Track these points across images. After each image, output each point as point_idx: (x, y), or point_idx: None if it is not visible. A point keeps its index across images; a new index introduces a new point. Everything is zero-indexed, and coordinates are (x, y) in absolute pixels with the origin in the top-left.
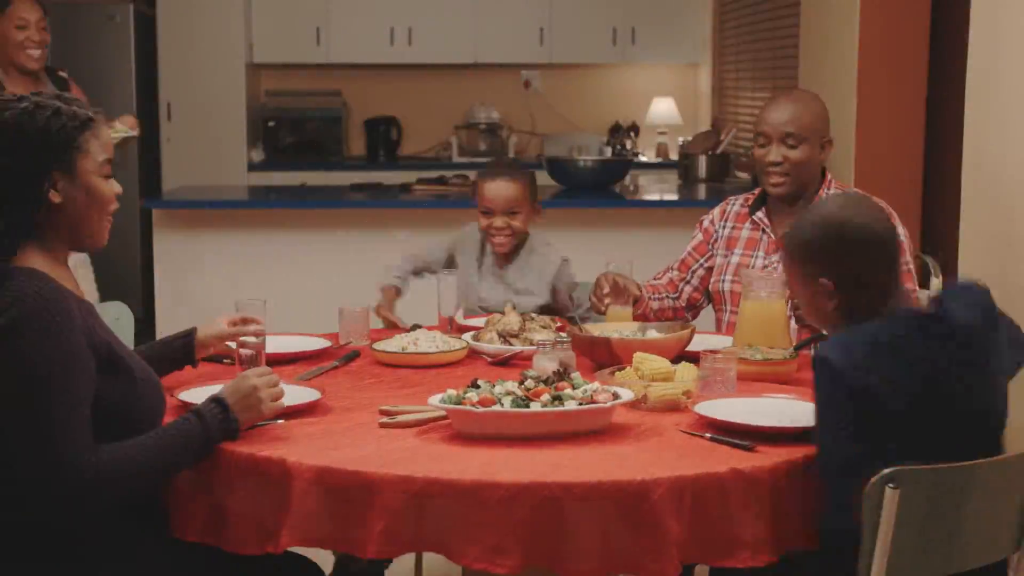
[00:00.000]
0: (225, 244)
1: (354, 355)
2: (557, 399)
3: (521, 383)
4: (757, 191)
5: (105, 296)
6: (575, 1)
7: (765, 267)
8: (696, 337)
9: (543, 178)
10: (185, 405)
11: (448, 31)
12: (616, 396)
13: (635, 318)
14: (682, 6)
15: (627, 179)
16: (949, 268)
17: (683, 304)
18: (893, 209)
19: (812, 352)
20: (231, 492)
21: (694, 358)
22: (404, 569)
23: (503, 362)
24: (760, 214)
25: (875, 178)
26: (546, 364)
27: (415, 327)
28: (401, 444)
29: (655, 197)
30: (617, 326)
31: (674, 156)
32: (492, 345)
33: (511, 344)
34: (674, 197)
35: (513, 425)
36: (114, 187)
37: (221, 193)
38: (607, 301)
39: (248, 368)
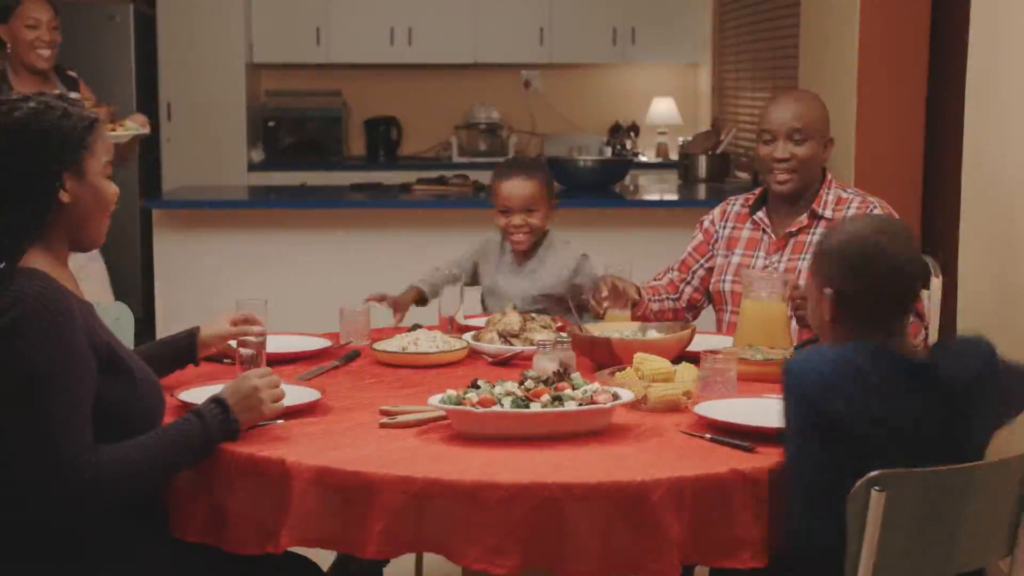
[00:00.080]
0: (225, 244)
1: (354, 355)
2: (557, 399)
3: (521, 383)
4: (758, 191)
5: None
6: (575, 1)
7: (766, 267)
8: (696, 337)
9: None
10: (185, 405)
11: (448, 31)
12: (616, 397)
13: (634, 320)
14: (682, 6)
15: (627, 179)
16: (949, 268)
17: (683, 305)
18: (893, 209)
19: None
20: (231, 492)
21: (694, 358)
22: (404, 569)
23: (503, 362)
24: (761, 214)
25: (875, 178)
26: (546, 364)
27: (415, 327)
28: (401, 444)
29: (655, 197)
30: (617, 326)
31: (674, 156)
32: (492, 345)
33: (511, 344)
34: (674, 197)
35: (513, 425)
36: (113, 188)
37: (221, 193)
38: (605, 304)
39: (248, 368)
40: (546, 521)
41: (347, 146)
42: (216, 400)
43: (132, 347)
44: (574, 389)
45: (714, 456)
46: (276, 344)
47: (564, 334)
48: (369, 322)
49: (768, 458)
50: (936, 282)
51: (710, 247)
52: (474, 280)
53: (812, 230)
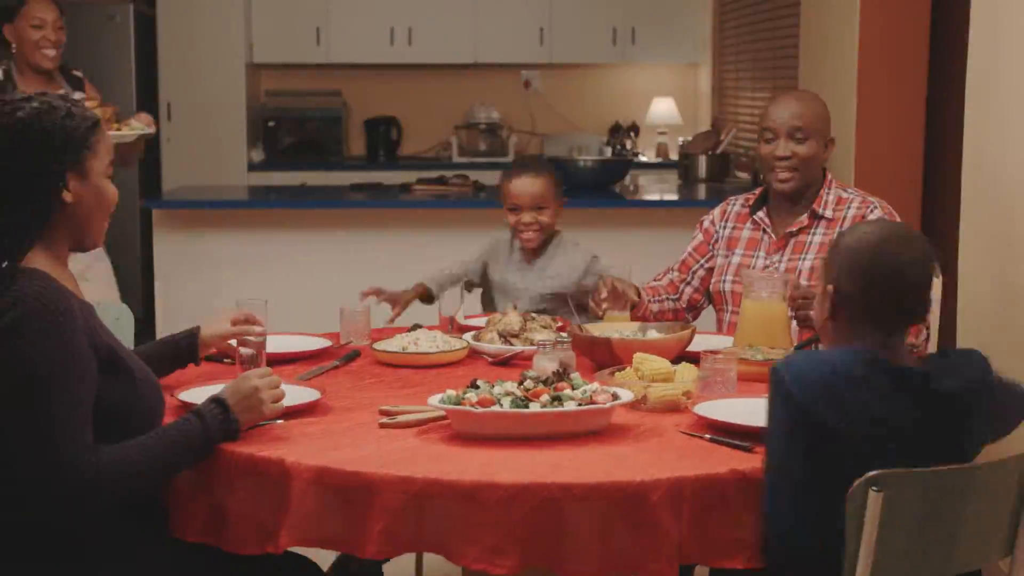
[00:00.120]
0: (225, 244)
1: (354, 355)
2: (556, 400)
3: (521, 383)
4: (758, 191)
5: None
6: (575, 1)
7: (766, 267)
8: (696, 337)
9: None
10: (185, 405)
11: (448, 31)
12: (616, 397)
13: (634, 321)
14: (682, 6)
15: (627, 179)
16: (949, 268)
17: (683, 305)
18: (894, 209)
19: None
20: (231, 492)
21: (694, 358)
22: (404, 569)
23: (503, 362)
24: (761, 214)
25: (875, 178)
26: (546, 364)
27: (415, 327)
28: (401, 444)
29: (655, 197)
30: (617, 326)
31: (674, 156)
32: (492, 345)
33: (511, 344)
34: (674, 197)
35: (512, 425)
36: (114, 188)
37: (221, 193)
38: (605, 306)
39: (248, 368)
40: (545, 521)
41: (347, 146)
42: (216, 400)
43: (132, 347)
44: (574, 389)
45: (714, 456)
46: (276, 344)
47: (564, 334)
48: (369, 322)
49: None
50: (936, 282)
51: (710, 247)
52: (483, 280)
53: (812, 230)
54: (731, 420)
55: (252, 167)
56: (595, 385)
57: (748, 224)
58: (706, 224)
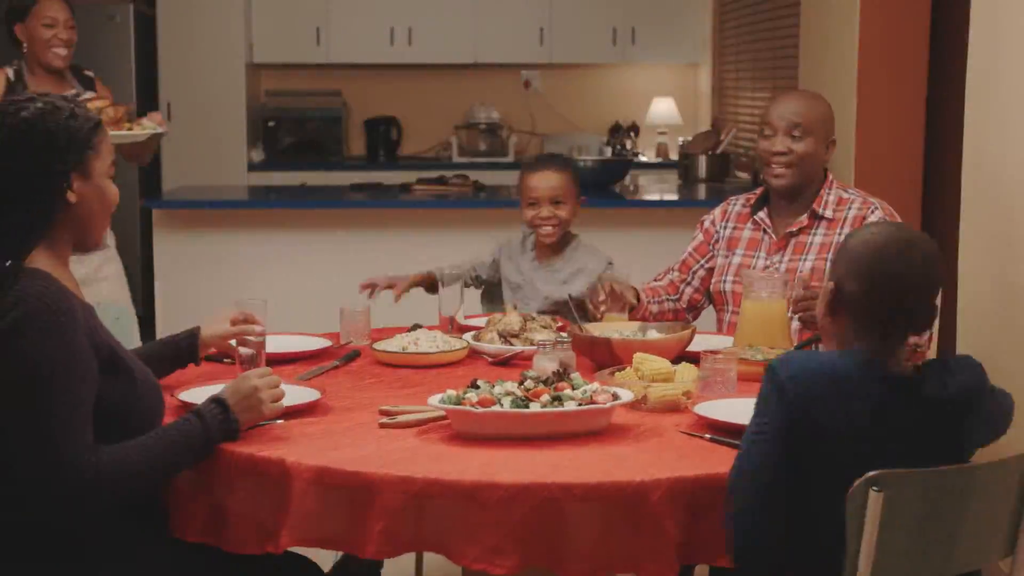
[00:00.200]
0: (225, 244)
1: (354, 355)
2: (557, 399)
3: (521, 383)
4: (759, 191)
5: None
6: (575, 1)
7: (766, 268)
8: (697, 337)
9: None
10: (185, 405)
11: (448, 31)
12: (616, 397)
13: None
14: (682, 6)
15: (627, 179)
16: (949, 268)
17: (683, 306)
18: (894, 210)
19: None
20: (231, 492)
21: (694, 358)
22: (404, 569)
23: (503, 362)
24: (762, 214)
25: (875, 178)
26: (546, 364)
27: (415, 327)
28: (401, 444)
29: (655, 197)
30: (617, 326)
31: (674, 156)
32: (492, 345)
33: (511, 344)
34: (674, 197)
35: (512, 425)
36: (115, 189)
37: (221, 193)
38: (603, 308)
39: (248, 368)
40: (546, 521)
41: (347, 146)
42: (216, 400)
43: (139, 346)
44: (574, 389)
45: (714, 456)
46: (276, 344)
47: (564, 334)
48: (369, 322)
49: None
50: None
51: (710, 247)
52: (492, 277)
53: (813, 231)
54: (731, 420)
55: (252, 167)
56: (595, 385)
57: (749, 224)
58: (706, 224)
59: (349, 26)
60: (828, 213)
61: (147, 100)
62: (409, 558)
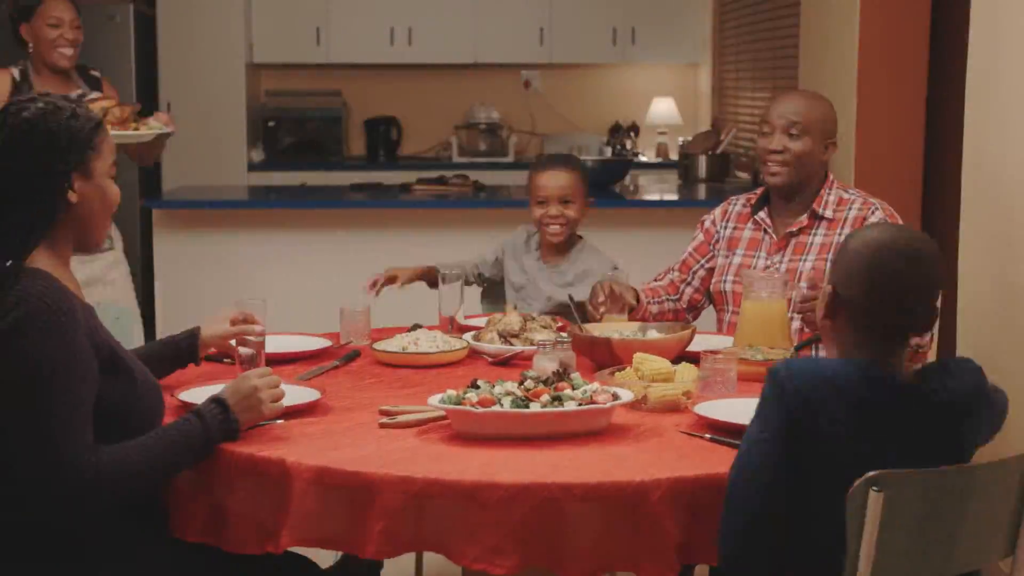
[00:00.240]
0: (225, 244)
1: (354, 355)
2: (557, 399)
3: (521, 383)
4: (759, 191)
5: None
6: (575, 1)
7: (767, 268)
8: (697, 337)
9: None
10: (185, 405)
11: (448, 31)
12: (616, 397)
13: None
14: (682, 6)
15: (627, 179)
16: (949, 268)
17: (683, 306)
18: (895, 210)
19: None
20: (231, 492)
21: (694, 358)
22: (404, 569)
23: (503, 362)
24: (762, 214)
25: (875, 178)
26: (546, 364)
27: (415, 327)
28: (401, 444)
29: (655, 197)
30: (617, 326)
31: (674, 156)
32: (492, 345)
33: (511, 344)
34: (674, 197)
35: (512, 425)
36: (116, 189)
37: (221, 193)
38: (602, 310)
39: (248, 367)
40: (546, 521)
41: (347, 146)
42: (216, 400)
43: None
44: (574, 389)
45: (714, 456)
46: (276, 344)
47: (564, 334)
48: (369, 322)
49: None
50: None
51: (711, 247)
52: (494, 275)
53: (813, 231)
54: (731, 420)
55: (252, 167)
56: (595, 385)
57: (749, 224)
58: (707, 224)
59: (349, 26)
60: (828, 213)
61: (147, 100)
62: (409, 558)
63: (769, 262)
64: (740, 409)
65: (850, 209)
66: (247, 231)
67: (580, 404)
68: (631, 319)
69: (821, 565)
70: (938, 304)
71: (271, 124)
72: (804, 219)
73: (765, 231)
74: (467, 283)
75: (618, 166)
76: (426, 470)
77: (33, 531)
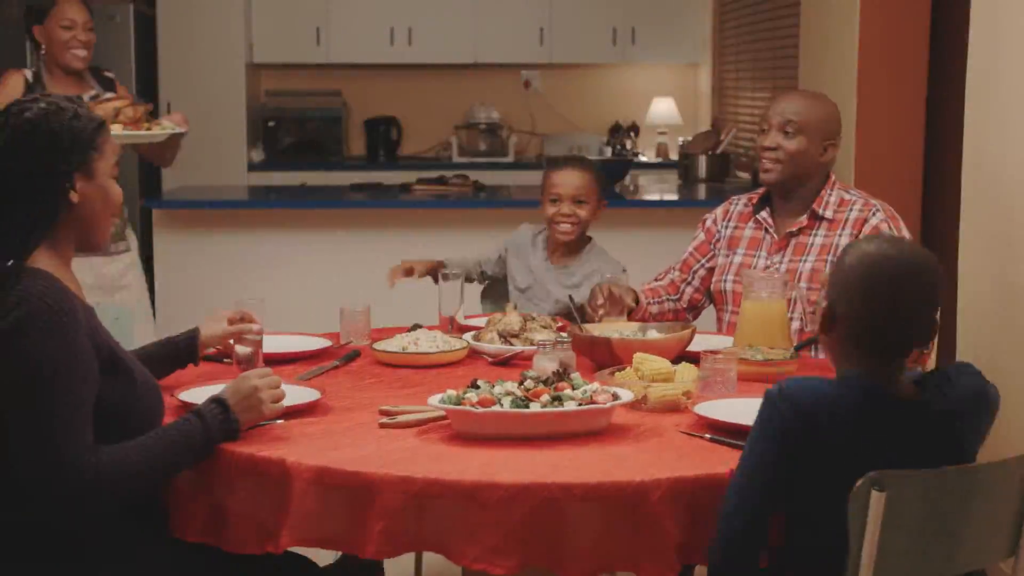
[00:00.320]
0: (225, 244)
1: (354, 355)
2: (557, 399)
3: (521, 383)
4: (761, 191)
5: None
6: (575, 1)
7: (767, 267)
8: (697, 337)
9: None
10: (185, 405)
11: (448, 31)
12: (616, 397)
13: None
14: (682, 6)
15: (627, 179)
16: (949, 268)
17: (684, 306)
18: (895, 211)
19: (776, 387)
20: (231, 492)
21: (694, 358)
22: (404, 569)
23: (503, 362)
24: (764, 214)
25: (875, 178)
26: (546, 364)
27: (415, 327)
28: (401, 444)
29: (655, 197)
30: (617, 326)
31: (674, 156)
32: (492, 345)
33: (511, 344)
34: (674, 197)
35: (512, 425)
36: (118, 189)
37: (221, 193)
38: (601, 312)
39: (245, 366)
40: (546, 521)
41: (347, 146)
42: (216, 400)
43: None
44: (574, 389)
45: (714, 456)
46: (276, 344)
47: (564, 334)
48: (369, 322)
49: None
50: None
51: (711, 247)
52: (497, 273)
53: (814, 232)
54: (731, 420)
55: (252, 167)
56: (595, 385)
57: (750, 223)
58: (708, 223)
59: (349, 26)
60: (828, 214)
61: (147, 100)
62: (409, 558)
63: (769, 262)
64: (740, 409)
65: (851, 210)
66: (247, 231)
67: (580, 404)
68: (630, 320)
69: (822, 565)
70: (937, 316)
71: (271, 124)
72: (804, 219)
73: (766, 230)
74: (469, 279)
75: (618, 166)
76: (426, 470)
77: (33, 531)
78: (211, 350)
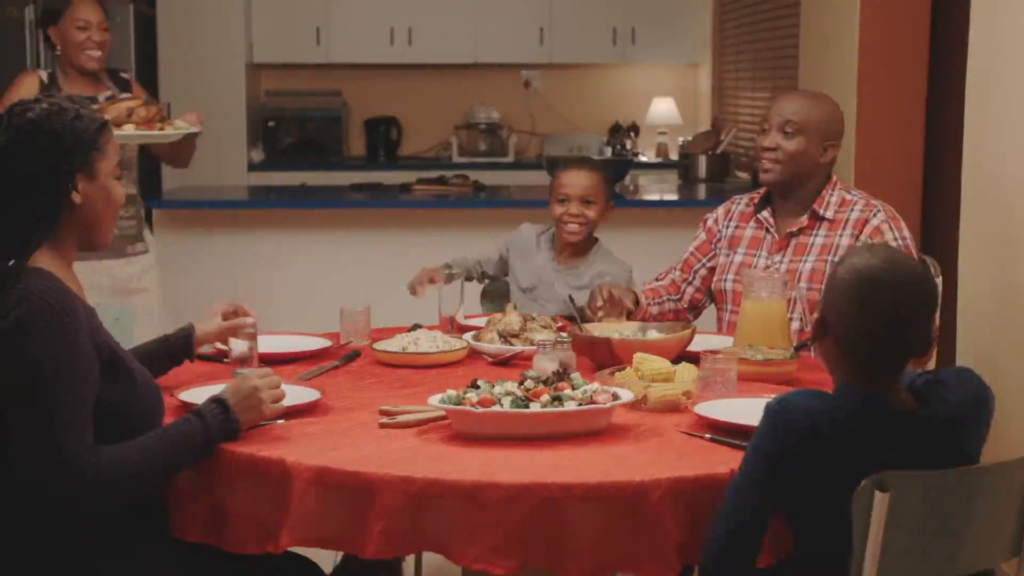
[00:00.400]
0: (225, 244)
1: (354, 355)
2: (557, 400)
3: (521, 383)
4: (763, 190)
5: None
6: (575, 1)
7: (767, 267)
8: (696, 337)
9: (543, 178)
10: (185, 405)
11: (448, 31)
12: (616, 397)
13: None
14: (682, 6)
15: (627, 179)
16: (949, 268)
17: (685, 305)
18: (896, 211)
19: (772, 400)
20: (231, 492)
21: (694, 358)
22: (404, 569)
23: (503, 362)
24: (765, 213)
25: (875, 178)
26: (546, 364)
27: (415, 327)
28: (401, 444)
29: (655, 197)
30: (617, 326)
31: (674, 156)
32: (492, 345)
33: (511, 344)
34: (674, 197)
35: (512, 425)
36: (120, 189)
37: (221, 193)
38: (600, 314)
39: (240, 364)
40: (546, 521)
41: (347, 146)
42: (216, 400)
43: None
44: (574, 389)
45: (714, 456)
46: (276, 344)
47: (564, 334)
48: (369, 322)
49: None
50: (937, 282)
51: (712, 246)
52: (498, 273)
53: (814, 232)
54: (731, 420)
55: (252, 167)
56: (595, 385)
57: (752, 223)
58: (709, 223)
59: (349, 26)
60: (829, 214)
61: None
62: (409, 558)
63: (769, 262)
64: (740, 409)
65: (852, 211)
66: (247, 231)
67: (580, 404)
68: (630, 321)
69: (823, 566)
70: (933, 328)
71: (271, 124)
72: (805, 219)
73: (767, 230)
74: (469, 278)
75: (618, 166)
76: (426, 470)
77: (33, 531)
78: (211, 350)
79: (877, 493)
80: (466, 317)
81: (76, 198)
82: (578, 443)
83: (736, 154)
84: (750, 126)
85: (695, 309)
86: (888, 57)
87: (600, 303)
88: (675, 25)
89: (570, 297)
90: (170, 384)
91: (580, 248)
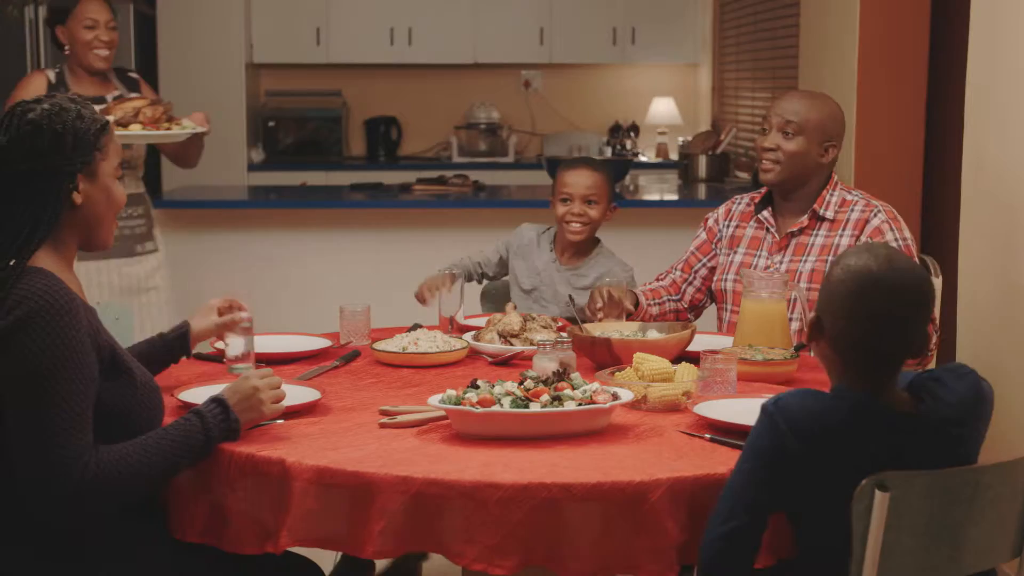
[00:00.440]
0: (225, 244)
1: (354, 355)
2: (557, 399)
3: (521, 383)
4: (764, 190)
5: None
6: (575, 1)
7: (767, 267)
8: (696, 337)
9: (543, 177)
10: (185, 405)
11: (448, 31)
12: (616, 396)
13: None
14: (682, 6)
15: (627, 179)
16: (949, 268)
17: (685, 305)
18: (896, 211)
19: (769, 403)
20: (231, 492)
21: (694, 358)
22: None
23: (503, 362)
24: (765, 213)
25: (875, 178)
26: (546, 364)
27: (415, 327)
28: (401, 444)
29: (655, 197)
30: (617, 326)
31: (674, 156)
32: (492, 345)
33: (511, 344)
34: (674, 197)
35: (512, 426)
36: (122, 190)
37: (221, 193)
38: (600, 315)
39: (237, 359)
40: (545, 521)
41: (347, 146)
42: (216, 400)
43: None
44: (574, 389)
45: (714, 456)
46: (276, 344)
47: (564, 334)
48: (369, 322)
49: None
50: (936, 282)
51: (713, 246)
52: (498, 273)
53: (815, 232)
54: (731, 420)
55: (252, 167)
56: (595, 385)
57: (752, 223)
58: (710, 223)
59: (349, 26)
60: (829, 214)
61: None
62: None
63: (770, 261)
64: (740, 409)
65: (852, 211)
66: (247, 231)
67: (580, 404)
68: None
69: (824, 566)
70: (931, 329)
71: (271, 124)
72: (805, 219)
73: (768, 230)
74: (468, 279)
75: (618, 166)
76: (426, 470)
77: (33, 531)
78: (210, 350)
79: (878, 493)
80: (466, 317)
81: (77, 198)
82: (578, 443)
83: (736, 154)
84: (750, 126)
85: (695, 309)
86: (888, 57)
87: (600, 304)
88: (675, 25)
89: (570, 297)
90: (170, 384)
91: (582, 248)
